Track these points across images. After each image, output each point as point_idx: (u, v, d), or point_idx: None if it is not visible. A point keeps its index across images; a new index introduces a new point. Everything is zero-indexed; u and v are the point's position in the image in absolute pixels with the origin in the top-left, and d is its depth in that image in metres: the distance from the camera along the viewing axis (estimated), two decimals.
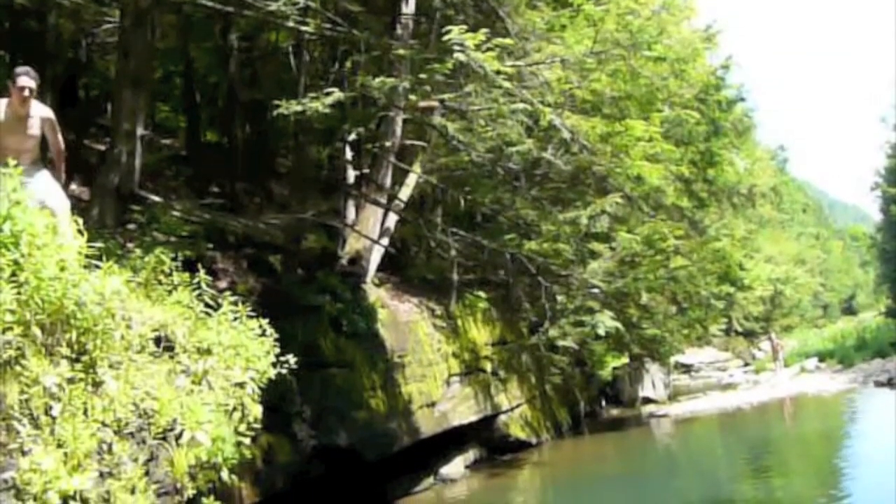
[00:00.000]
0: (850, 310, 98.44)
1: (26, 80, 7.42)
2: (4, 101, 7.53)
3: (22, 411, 4.91)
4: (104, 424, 5.50)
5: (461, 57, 11.78)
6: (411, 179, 18.78)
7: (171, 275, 7.74)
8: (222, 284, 12.94)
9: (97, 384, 5.60)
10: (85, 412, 5.35)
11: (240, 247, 16.21)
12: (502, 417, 23.23)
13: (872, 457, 18.96)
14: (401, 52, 14.27)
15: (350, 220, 18.72)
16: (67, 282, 5.41)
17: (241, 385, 7.33)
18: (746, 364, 55.12)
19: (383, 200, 18.31)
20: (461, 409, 20.35)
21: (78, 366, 5.48)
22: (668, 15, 18.44)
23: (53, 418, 5.09)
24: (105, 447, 5.46)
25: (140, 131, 12.27)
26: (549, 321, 17.76)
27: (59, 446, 5.02)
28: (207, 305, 7.57)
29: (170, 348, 6.86)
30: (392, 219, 18.80)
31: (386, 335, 17.54)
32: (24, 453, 4.77)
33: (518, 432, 23.94)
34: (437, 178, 17.91)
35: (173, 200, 13.93)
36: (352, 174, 19.71)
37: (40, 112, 7.71)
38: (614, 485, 18.73)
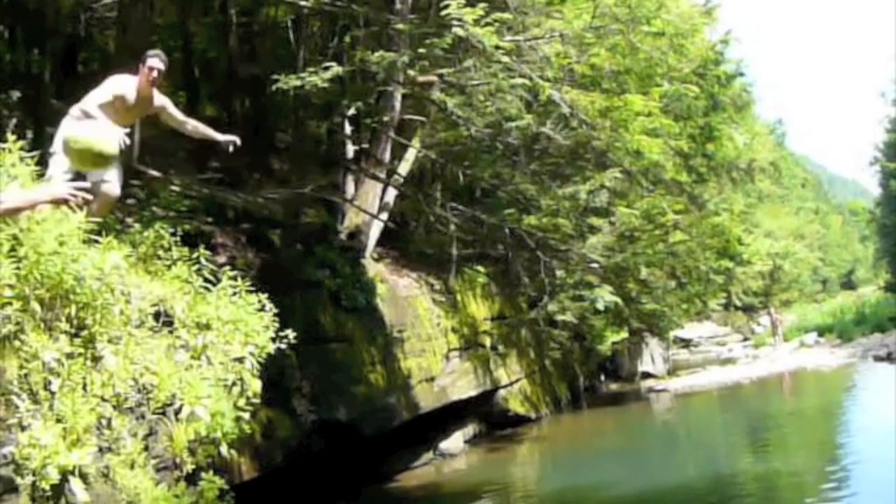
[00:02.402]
0: (849, 284, 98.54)
1: (157, 61, 7.45)
2: (131, 79, 7.49)
3: (21, 386, 4.90)
4: (103, 399, 5.49)
5: (460, 32, 11.73)
6: (410, 154, 18.72)
7: (170, 249, 7.73)
8: (221, 259, 12.88)
9: (96, 359, 5.59)
10: (84, 387, 5.34)
11: (239, 222, 16.16)
12: (501, 392, 23.30)
13: (871, 431, 19.02)
14: (400, 26, 14.20)
15: (349, 195, 18.70)
16: (67, 257, 5.38)
17: (241, 360, 7.32)
18: (745, 339, 55.28)
19: (382, 175, 18.27)
20: (460, 384, 20.40)
21: (77, 341, 5.46)
22: None
23: (52, 393, 5.09)
24: (104, 422, 5.46)
25: None
26: (548, 296, 17.75)
27: (59, 421, 5.01)
28: (206, 280, 7.55)
29: (169, 323, 6.85)
30: (391, 193, 18.77)
31: (385, 310, 17.54)
32: (23, 428, 4.77)
33: (517, 407, 24.03)
34: (437, 153, 17.86)
35: (172, 175, 13.89)
36: (351, 149, 19.67)
37: (159, 100, 7.75)
38: (613, 459, 18.82)
